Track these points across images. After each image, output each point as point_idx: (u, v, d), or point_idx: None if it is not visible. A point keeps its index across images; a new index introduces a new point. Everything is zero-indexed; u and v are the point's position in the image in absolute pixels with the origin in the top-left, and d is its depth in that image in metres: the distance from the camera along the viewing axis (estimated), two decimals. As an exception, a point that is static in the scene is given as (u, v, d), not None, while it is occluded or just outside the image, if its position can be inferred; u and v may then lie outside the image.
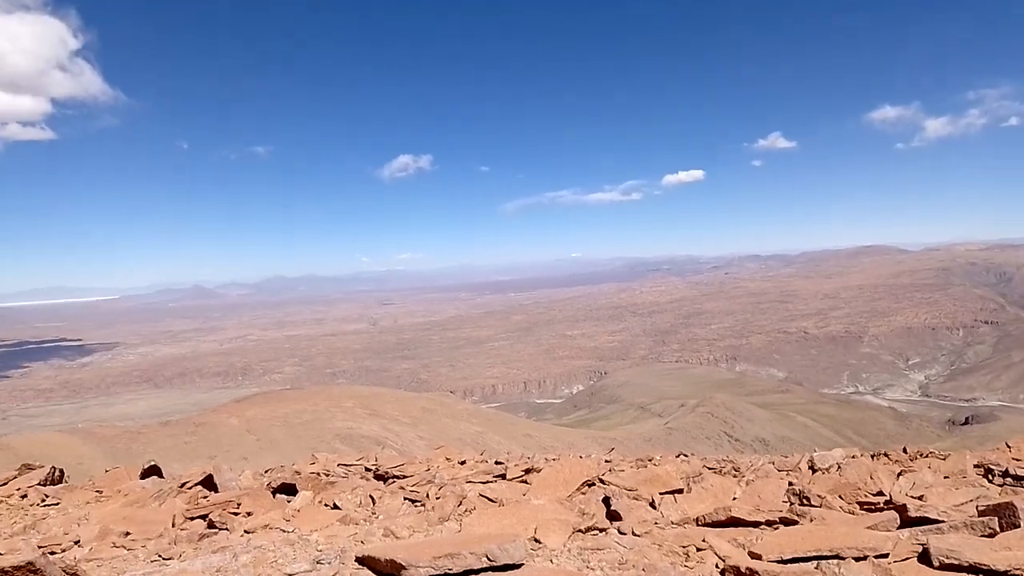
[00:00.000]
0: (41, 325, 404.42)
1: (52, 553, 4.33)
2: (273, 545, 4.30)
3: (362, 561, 3.83)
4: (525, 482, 6.04)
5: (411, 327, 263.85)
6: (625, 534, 4.54)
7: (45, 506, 6.40)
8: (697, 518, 4.94)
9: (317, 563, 3.91)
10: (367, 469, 7.71)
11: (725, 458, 9.43)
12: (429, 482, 5.85)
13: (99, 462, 39.50)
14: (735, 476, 7.24)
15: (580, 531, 4.51)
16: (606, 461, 8.99)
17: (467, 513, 4.87)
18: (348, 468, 8.01)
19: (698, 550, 4.24)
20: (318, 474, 6.95)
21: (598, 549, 4.23)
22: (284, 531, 4.60)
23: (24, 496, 6.71)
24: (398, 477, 6.59)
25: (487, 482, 6.15)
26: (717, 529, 4.69)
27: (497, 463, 8.33)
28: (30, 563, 3.25)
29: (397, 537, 4.44)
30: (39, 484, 7.22)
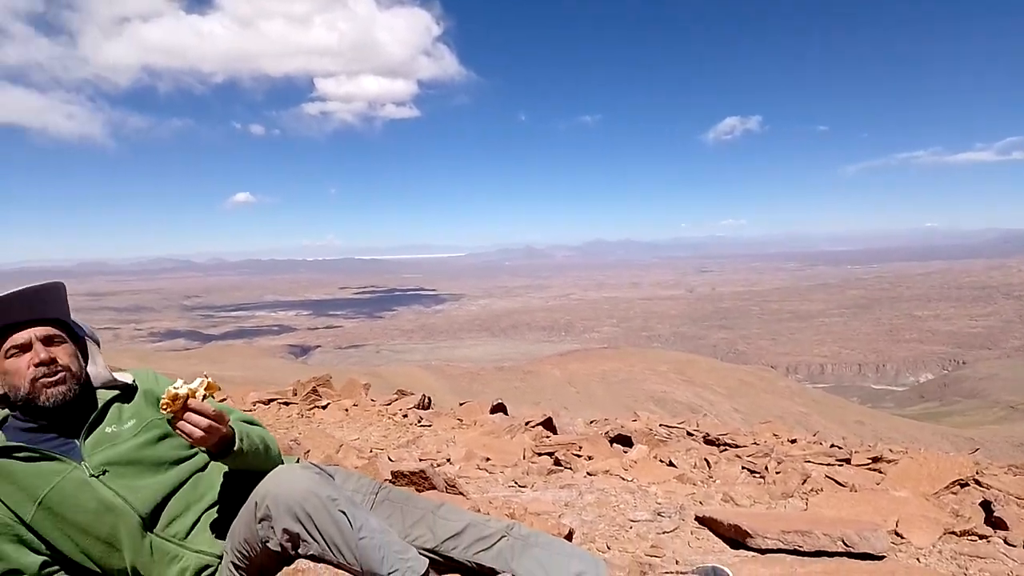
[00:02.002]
0: (407, 276, 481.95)
1: (433, 466, 5.10)
2: (614, 491, 4.52)
3: (703, 521, 3.83)
4: (876, 471, 5.44)
5: (730, 296, 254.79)
6: (1014, 546, 3.82)
7: (421, 427, 7.51)
8: (1119, 548, 3.96)
9: (658, 515, 4.00)
10: (688, 433, 7.68)
11: None
12: (766, 455, 5.59)
13: (447, 396, 46.06)
14: None
15: (954, 533, 3.91)
16: (974, 463, 7.69)
17: (813, 493, 4.55)
18: (670, 429, 8.05)
19: (1122, 585, 3.39)
20: (647, 430, 7.12)
21: (978, 557, 3.63)
22: (623, 479, 4.80)
23: (405, 416, 7.97)
24: (731, 445, 6.44)
25: (830, 464, 5.69)
26: None
27: (833, 447, 7.67)
28: (422, 471, 3.87)
29: (737, 504, 4.34)
30: (414, 408, 8.52)
